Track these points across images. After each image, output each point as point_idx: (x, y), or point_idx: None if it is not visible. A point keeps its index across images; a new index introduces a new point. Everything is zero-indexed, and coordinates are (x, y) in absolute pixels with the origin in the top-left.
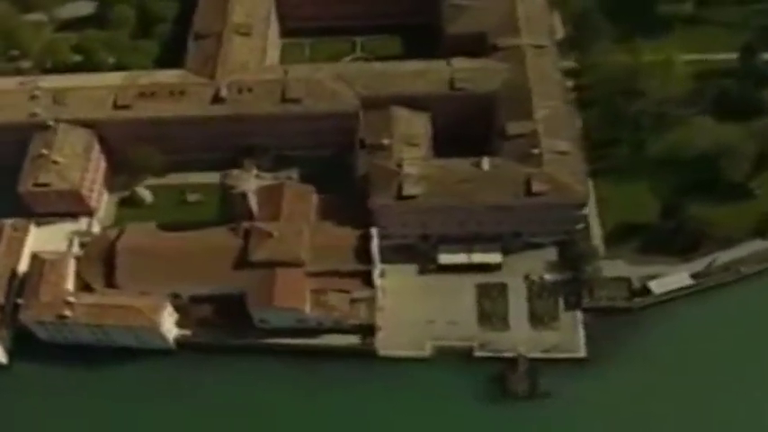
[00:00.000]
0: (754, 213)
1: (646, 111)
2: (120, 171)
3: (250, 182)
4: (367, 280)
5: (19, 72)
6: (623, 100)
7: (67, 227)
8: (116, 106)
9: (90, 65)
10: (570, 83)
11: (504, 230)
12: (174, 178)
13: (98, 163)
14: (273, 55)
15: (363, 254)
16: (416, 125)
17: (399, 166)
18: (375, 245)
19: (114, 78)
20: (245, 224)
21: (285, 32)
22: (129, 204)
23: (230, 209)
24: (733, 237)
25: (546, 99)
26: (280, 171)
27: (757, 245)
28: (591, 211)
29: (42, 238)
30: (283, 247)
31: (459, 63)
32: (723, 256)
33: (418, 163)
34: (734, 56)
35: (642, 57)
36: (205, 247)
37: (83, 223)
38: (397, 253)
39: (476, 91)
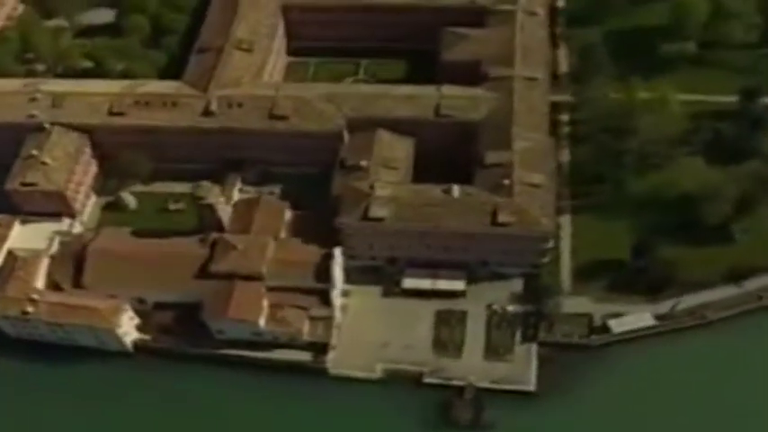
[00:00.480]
0: (729, 259)
1: (631, 149)
2: (112, 176)
3: (218, 194)
4: (325, 299)
5: (31, 74)
6: (611, 137)
7: (51, 227)
8: (111, 113)
9: (99, 71)
10: (566, 117)
11: (471, 258)
12: (161, 186)
13: (87, 167)
14: (277, 72)
15: (323, 273)
16: (398, 149)
17: (371, 187)
18: (336, 264)
19: (113, 86)
20: (214, 235)
21: (293, 51)
22: (113, 209)
23: (201, 220)
24: (704, 281)
25: (527, 131)
26: (265, 186)
27: (728, 291)
28: (564, 245)
29: (25, 236)
30: (245, 260)
31: (449, 90)
32: (692, 300)
33: (390, 186)
34: (733, 99)
35: (637, 94)
36: (172, 255)
37: (66, 224)
38: (363, 274)
39: (461, 118)
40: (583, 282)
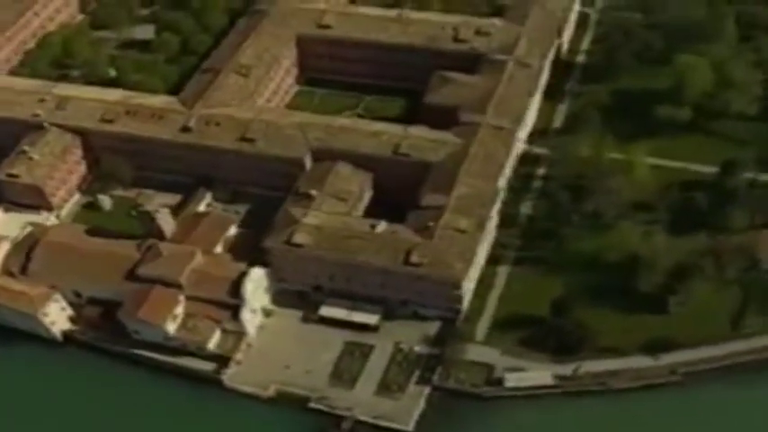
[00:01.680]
0: (657, 329)
1: (583, 208)
2: (99, 178)
3: (159, 204)
4: (236, 314)
5: (62, 78)
6: (570, 194)
7: (28, 217)
8: (102, 119)
9: (119, 82)
10: (541, 170)
11: (389, 295)
12: (139, 193)
13: (75, 167)
14: (280, 98)
15: (237, 289)
16: (353, 182)
17: (304, 215)
18: (252, 283)
19: (114, 95)
20: (150, 241)
21: (304, 80)
22: (90, 208)
23: (141, 225)
24: (622, 348)
25: (475, 177)
26: (232, 204)
27: (640, 361)
28: (494, 294)
29: (4, 223)
30: (166, 267)
31: (415, 131)
32: (601, 365)
33: (320, 215)
34: (715, 169)
35: (608, 155)
36: (109, 254)
37: (43, 217)
38: (290, 297)
39: (417, 158)
40: (499, 332)
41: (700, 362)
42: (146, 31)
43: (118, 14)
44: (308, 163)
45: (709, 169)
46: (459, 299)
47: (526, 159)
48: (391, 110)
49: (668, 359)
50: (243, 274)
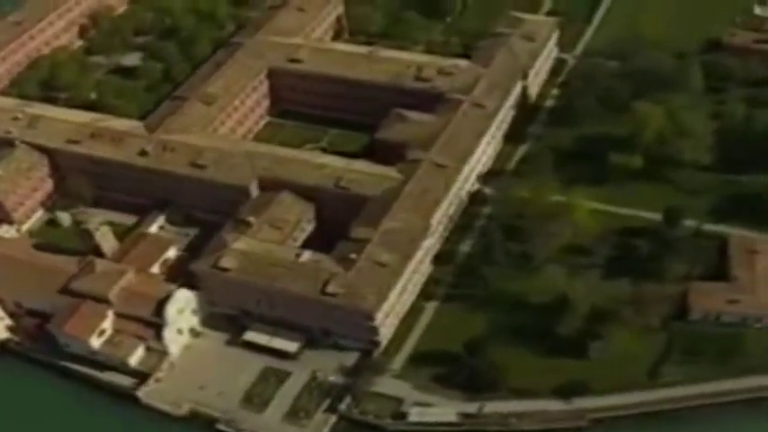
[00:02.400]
0: (573, 373)
1: (515, 249)
2: (65, 196)
3: (99, 222)
4: (159, 334)
5: (49, 100)
6: (504, 234)
7: None
8: (69, 140)
9: (100, 105)
10: (487, 209)
11: (311, 324)
12: (99, 212)
13: (40, 183)
14: (246, 129)
15: (162, 309)
16: (293, 212)
17: (235, 240)
18: (176, 304)
19: (83, 117)
20: (89, 258)
21: (276, 112)
22: (52, 224)
23: (82, 243)
24: (534, 390)
25: (406, 213)
26: (184, 228)
27: (550, 404)
28: (417, 329)
29: None
30: (98, 283)
31: (359, 165)
32: (510, 406)
33: (250, 242)
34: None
35: (549, 198)
36: (48, 268)
37: (3, 230)
38: (220, 320)
39: (356, 192)
40: (415, 367)
41: (611, 408)
42: (133, 59)
43: (111, 42)
44: (254, 191)
45: (655, 217)
46: (375, 331)
47: (475, 199)
48: (353, 144)
49: (580, 404)
50: (168, 296)
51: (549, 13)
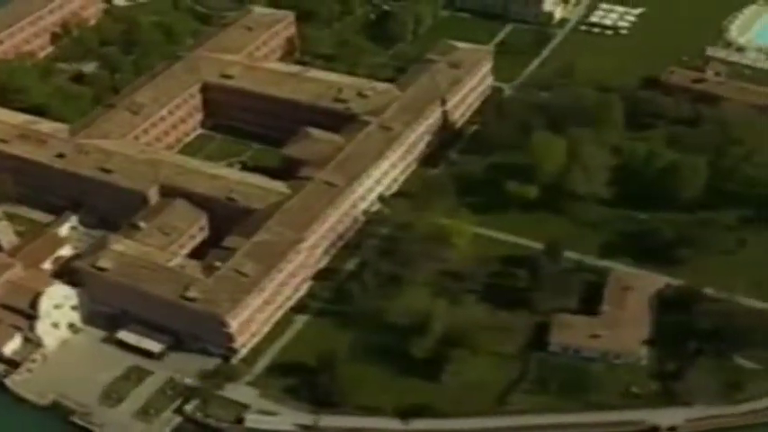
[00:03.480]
0: (420, 395)
1: (389, 270)
2: None
3: None
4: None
5: (6, 104)
6: (377, 254)
7: None
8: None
9: (46, 110)
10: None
11: (178, 327)
12: (23, 210)
13: None
14: (174, 139)
15: (36, 303)
16: (183, 220)
17: (116, 242)
18: (48, 299)
19: (17, 119)
20: None
21: (208, 125)
22: None
23: None
24: (378, 408)
25: (281, 226)
26: (96, 229)
27: (389, 423)
28: (282, 339)
29: None
30: None
31: (252, 179)
32: (349, 422)
33: (129, 244)
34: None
35: (435, 221)
36: None
37: None
38: (101, 318)
39: (243, 204)
40: (271, 377)
41: None
42: (91, 67)
43: (77, 50)
44: (153, 197)
45: (540, 247)
46: (231, 337)
47: (374, 219)
48: (274, 160)
49: (419, 425)
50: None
51: (500, 45)
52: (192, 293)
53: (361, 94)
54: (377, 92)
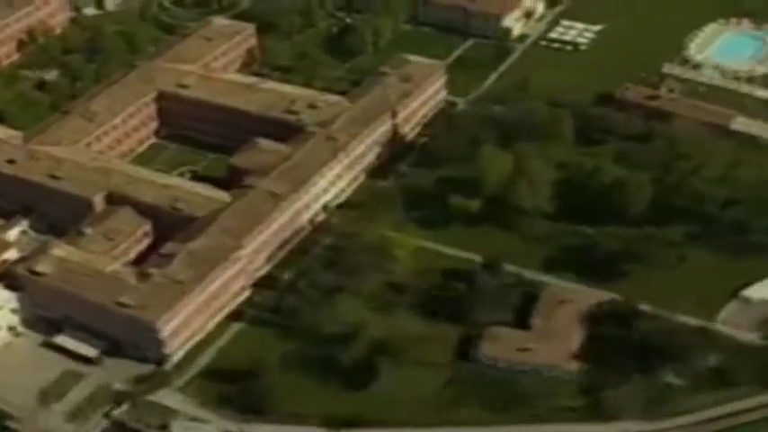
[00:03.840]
0: (351, 405)
1: (329, 280)
2: None
3: None
4: None
5: None
6: (322, 266)
7: None
8: None
9: (6, 116)
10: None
11: (115, 333)
12: None
13: None
14: (128, 147)
15: None
16: (128, 227)
17: (57, 247)
18: None
19: None
20: None
21: (164, 134)
22: None
23: None
24: (305, 417)
25: (219, 234)
26: (46, 235)
27: None
28: (214, 348)
29: None
30: None
31: (198, 188)
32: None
33: (69, 249)
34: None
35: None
36: None
37: None
38: (42, 322)
39: (187, 213)
40: (202, 383)
41: None
42: (53, 75)
43: (41, 58)
44: (99, 204)
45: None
46: (163, 344)
47: (318, 229)
48: (225, 170)
49: None
50: None
51: (458, 59)
52: (125, 300)
53: (312, 106)
54: (328, 104)
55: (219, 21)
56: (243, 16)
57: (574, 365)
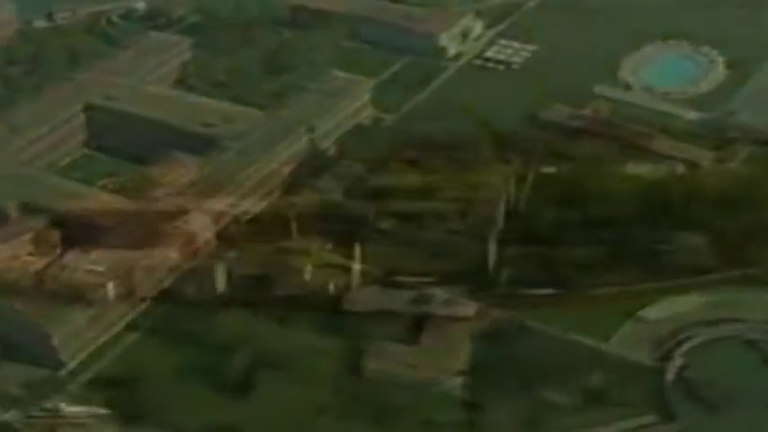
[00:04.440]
0: (232, 415)
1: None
2: None
3: None
4: None
5: None
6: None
7: None
8: None
9: None
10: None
11: (12, 338)
12: None
13: None
14: (60, 159)
15: None
16: (39, 236)
17: None
18: None
19: None
20: None
21: (93, 145)
22: None
23: None
24: (183, 426)
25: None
26: None
27: None
28: (109, 356)
29: None
30: None
31: (113, 199)
32: None
33: None
34: None
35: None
36: None
37: None
38: None
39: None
40: (93, 389)
41: None
42: None
43: None
44: (14, 213)
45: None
46: (56, 350)
47: (225, 241)
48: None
49: None
50: None
51: (392, 76)
52: (18, 305)
53: (228, 119)
54: (244, 117)
55: (155, 35)
56: (187, 31)
57: (457, 381)
